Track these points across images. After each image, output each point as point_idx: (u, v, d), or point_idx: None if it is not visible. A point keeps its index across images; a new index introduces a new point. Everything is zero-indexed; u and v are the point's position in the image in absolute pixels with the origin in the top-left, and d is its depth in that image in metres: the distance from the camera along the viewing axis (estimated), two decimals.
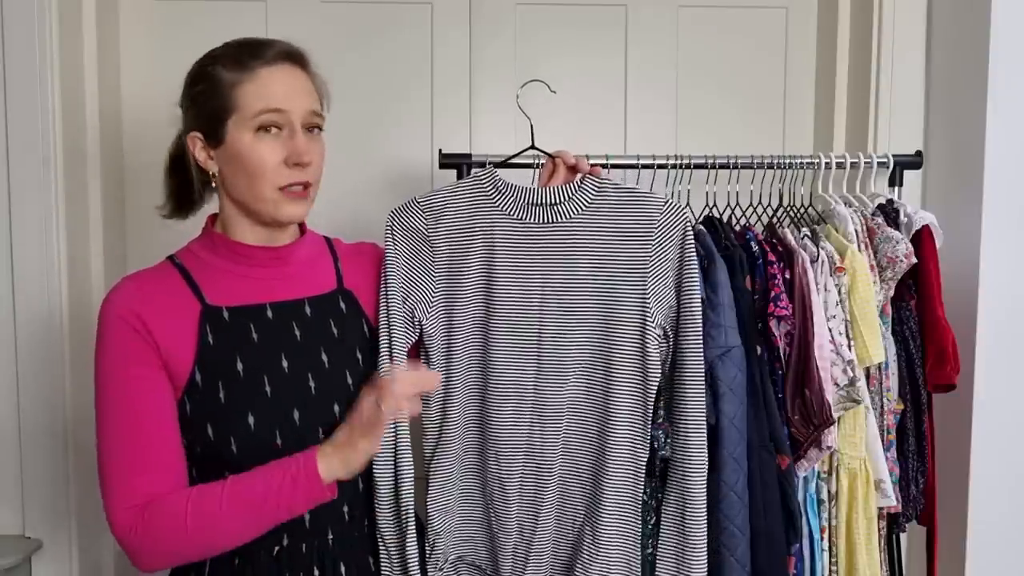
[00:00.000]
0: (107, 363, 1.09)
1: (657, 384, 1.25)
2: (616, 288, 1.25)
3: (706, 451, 1.25)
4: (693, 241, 1.27)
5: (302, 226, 1.24)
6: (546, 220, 1.27)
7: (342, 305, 1.21)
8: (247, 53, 1.12)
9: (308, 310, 1.17)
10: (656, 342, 1.24)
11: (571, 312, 1.26)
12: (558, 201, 1.27)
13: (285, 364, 1.13)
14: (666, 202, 1.27)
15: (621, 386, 1.25)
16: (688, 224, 1.26)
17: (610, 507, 1.25)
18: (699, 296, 1.25)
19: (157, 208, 1.24)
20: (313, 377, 1.14)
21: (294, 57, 1.14)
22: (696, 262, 1.26)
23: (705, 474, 1.25)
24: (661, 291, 1.24)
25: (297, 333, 1.15)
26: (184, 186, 1.20)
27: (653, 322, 1.24)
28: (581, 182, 1.28)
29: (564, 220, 1.27)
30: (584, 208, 1.27)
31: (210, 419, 1.09)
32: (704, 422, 1.25)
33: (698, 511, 1.24)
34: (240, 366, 1.11)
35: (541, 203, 1.28)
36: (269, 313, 1.15)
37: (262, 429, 1.09)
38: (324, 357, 1.16)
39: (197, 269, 1.16)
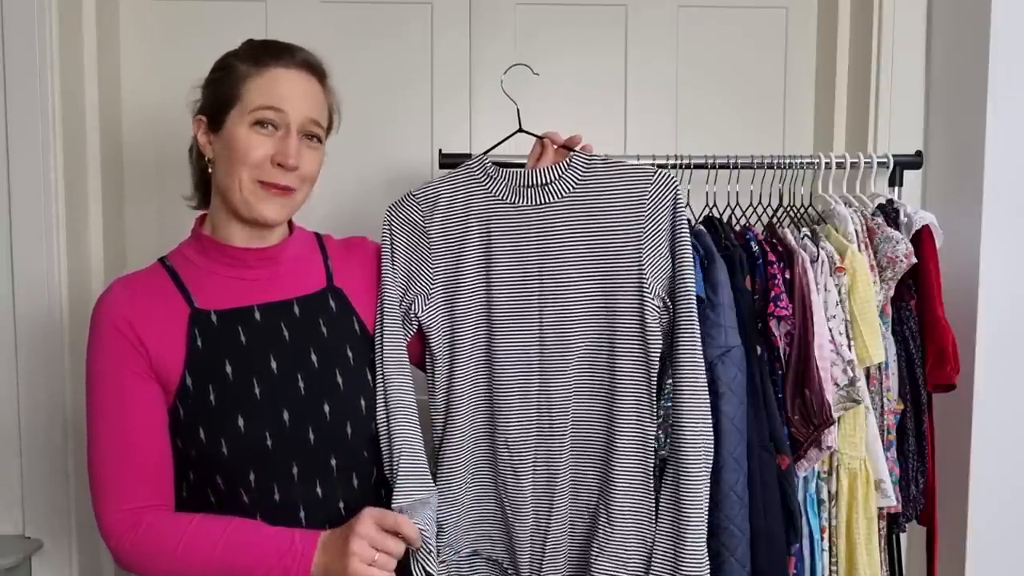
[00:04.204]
0: (98, 370, 1.10)
1: (659, 356, 1.25)
2: (612, 262, 1.26)
3: (709, 427, 1.23)
4: (685, 209, 1.28)
5: (291, 225, 1.24)
6: (538, 201, 1.29)
7: (331, 304, 1.21)
8: (266, 52, 1.14)
9: (297, 310, 1.17)
10: (655, 313, 1.24)
11: (570, 291, 1.27)
12: (548, 181, 1.28)
13: (274, 365, 1.13)
14: (655, 172, 1.27)
15: (624, 360, 1.25)
16: (679, 192, 1.26)
17: (622, 484, 1.25)
18: (691, 263, 1.25)
19: (185, 198, 1.25)
20: (302, 378, 1.14)
21: (312, 67, 1.17)
22: (688, 229, 1.27)
23: (706, 451, 1.22)
24: (657, 261, 1.25)
25: (286, 334, 1.15)
26: (203, 173, 1.21)
27: (651, 293, 1.24)
28: (570, 160, 1.29)
29: (556, 199, 1.28)
30: (575, 186, 1.28)
31: (202, 422, 1.10)
32: (705, 394, 1.24)
33: (698, 496, 1.21)
34: (229, 369, 1.11)
35: (532, 184, 1.29)
36: (257, 315, 1.15)
37: (252, 431, 1.09)
38: (313, 357, 1.16)
39: (186, 272, 1.16)
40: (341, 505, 1.15)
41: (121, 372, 1.09)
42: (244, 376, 1.11)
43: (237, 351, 1.12)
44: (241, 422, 1.09)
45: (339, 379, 1.17)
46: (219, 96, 1.14)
